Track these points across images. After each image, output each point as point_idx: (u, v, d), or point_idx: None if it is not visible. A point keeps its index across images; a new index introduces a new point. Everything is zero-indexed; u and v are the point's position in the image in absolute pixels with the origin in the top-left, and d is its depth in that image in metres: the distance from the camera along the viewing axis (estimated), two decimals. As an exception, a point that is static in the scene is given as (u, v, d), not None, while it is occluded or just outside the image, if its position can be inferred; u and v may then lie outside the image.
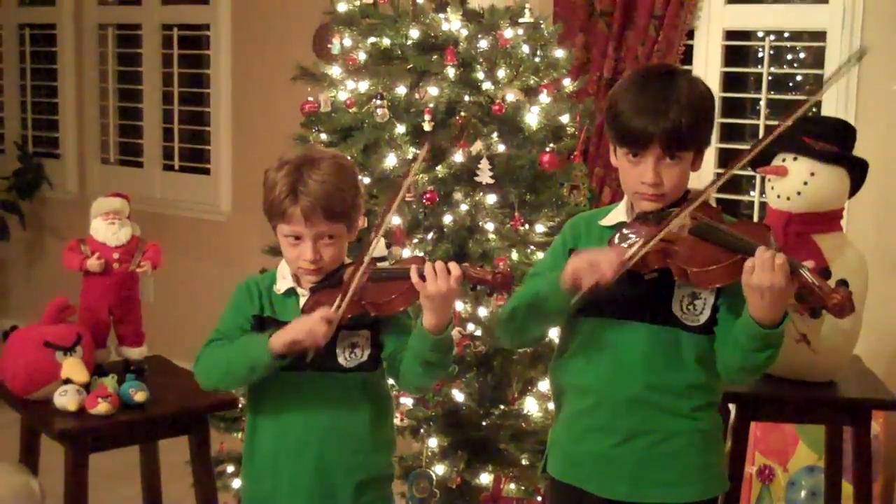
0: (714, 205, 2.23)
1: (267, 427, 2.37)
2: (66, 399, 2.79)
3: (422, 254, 3.31)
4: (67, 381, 2.84)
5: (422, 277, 2.14)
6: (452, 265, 2.13)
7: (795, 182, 2.98)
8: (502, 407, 3.41)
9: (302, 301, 2.31)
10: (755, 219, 4.15)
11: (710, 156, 4.21)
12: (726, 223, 2.18)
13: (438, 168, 3.37)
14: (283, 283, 2.36)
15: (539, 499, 3.36)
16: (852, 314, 1.98)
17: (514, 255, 3.33)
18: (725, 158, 4.28)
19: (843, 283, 1.96)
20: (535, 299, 2.26)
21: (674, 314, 2.21)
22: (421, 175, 3.35)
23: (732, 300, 2.15)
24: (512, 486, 3.37)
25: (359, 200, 2.34)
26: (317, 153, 2.31)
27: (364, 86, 3.47)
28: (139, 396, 2.85)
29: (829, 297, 1.94)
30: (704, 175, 4.16)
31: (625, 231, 2.21)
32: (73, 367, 2.87)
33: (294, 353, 2.21)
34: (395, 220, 3.32)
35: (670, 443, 2.24)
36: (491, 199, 3.38)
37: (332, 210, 2.23)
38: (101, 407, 2.77)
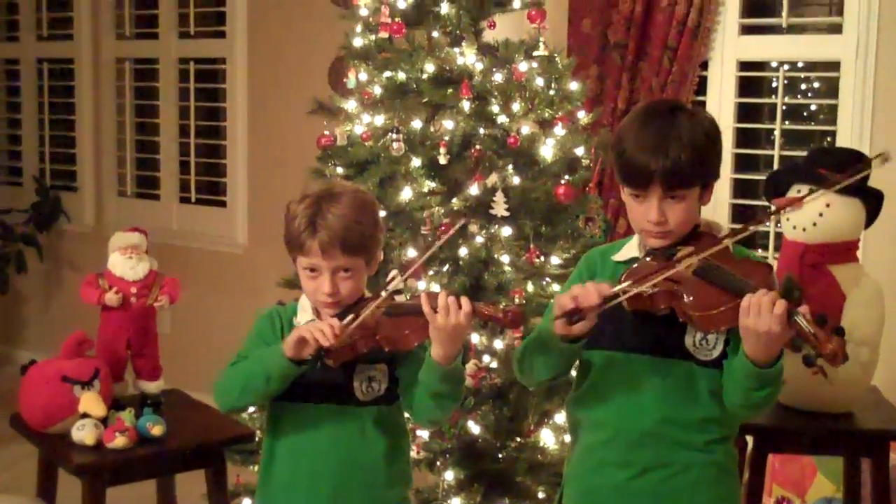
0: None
1: (282, 458, 2.38)
2: (83, 433, 2.80)
3: (437, 287, 3.32)
4: (85, 416, 2.85)
5: (434, 310, 2.14)
6: (464, 300, 2.13)
7: (811, 213, 2.98)
8: (518, 439, 3.40)
9: None
10: (770, 248, 4.15)
11: (724, 186, 4.22)
12: (735, 259, 2.17)
13: (454, 200, 3.39)
14: (304, 315, 2.37)
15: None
16: (845, 362, 1.96)
17: (530, 287, 3.33)
18: (740, 189, 4.29)
19: (839, 331, 1.95)
20: (540, 336, 2.27)
21: (686, 349, 2.21)
22: (437, 208, 3.36)
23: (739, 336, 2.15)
24: (529, 518, 3.37)
25: (378, 235, 2.36)
26: (338, 187, 2.33)
27: (380, 119, 3.49)
28: (156, 430, 2.86)
29: (823, 345, 1.92)
30: (719, 206, 4.18)
31: (635, 267, 2.21)
32: (90, 402, 2.88)
33: (303, 357, 2.20)
34: (412, 253, 3.33)
35: (685, 476, 2.23)
36: (506, 231, 3.39)
37: (350, 244, 2.25)
38: (119, 441, 2.78)
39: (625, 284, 2.13)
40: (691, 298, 2.10)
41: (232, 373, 2.35)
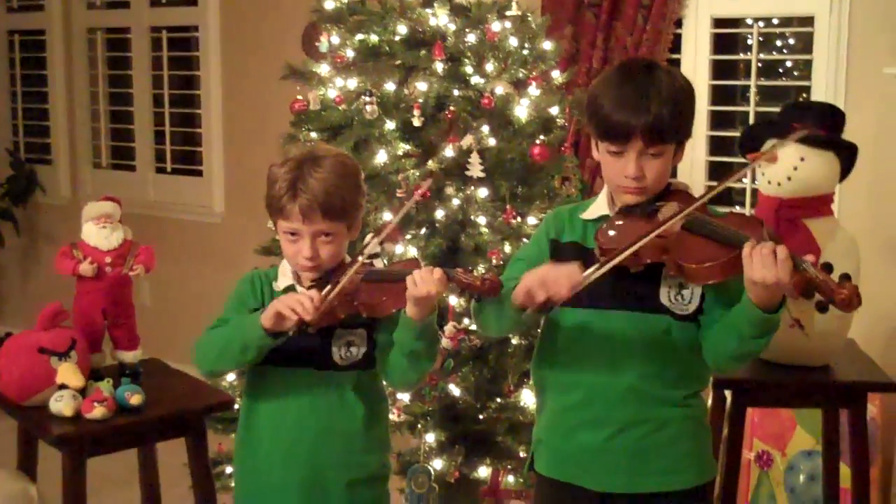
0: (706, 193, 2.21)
1: (261, 423, 2.38)
2: (61, 404, 2.78)
3: (414, 249, 3.32)
4: (63, 387, 2.83)
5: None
6: (435, 270, 2.14)
7: (785, 167, 2.98)
8: (499, 400, 3.41)
9: None
10: (747, 203, 4.16)
11: (700, 143, 4.22)
12: (716, 216, 2.18)
13: (430, 163, 3.37)
14: (284, 279, 2.38)
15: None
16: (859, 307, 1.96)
17: (507, 248, 3.33)
18: (716, 146, 4.29)
19: (846, 276, 1.94)
20: (497, 308, 2.25)
21: (663, 304, 2.21)
22: (412, 171, 3.35)
23: (719, 289, 2.15)
24: (510, 478, 3.38)
25: (360, 200, 2.35)
26: (321, 151, 2.33)
27: (353, 83, 3.47)
28: (135, 400, 2.85)
29: (836, 292, 1.92)
30: (696, 164, 4.18)
31: (613, 223, 2.20)
32: (68, 373, 2.86)
33: (282, 329, 2.20)
34: (387, 216, 3.32)
35: (664, 431, 2.24)
36: (482, 192, 3.38)
37: (331, 208, 2.24)
38: (97, 411, 2.77)
39: (594, 267, 2.10)
40: (683, 252, 2.09)
41: (210, 337, 2.35)
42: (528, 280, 2.12)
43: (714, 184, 2.18)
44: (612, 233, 2.17)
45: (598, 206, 2.31)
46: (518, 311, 2.17)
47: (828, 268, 1.98)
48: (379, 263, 2.41)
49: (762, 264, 1.97)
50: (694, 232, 2.11)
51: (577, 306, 2.24)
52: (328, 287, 2.21)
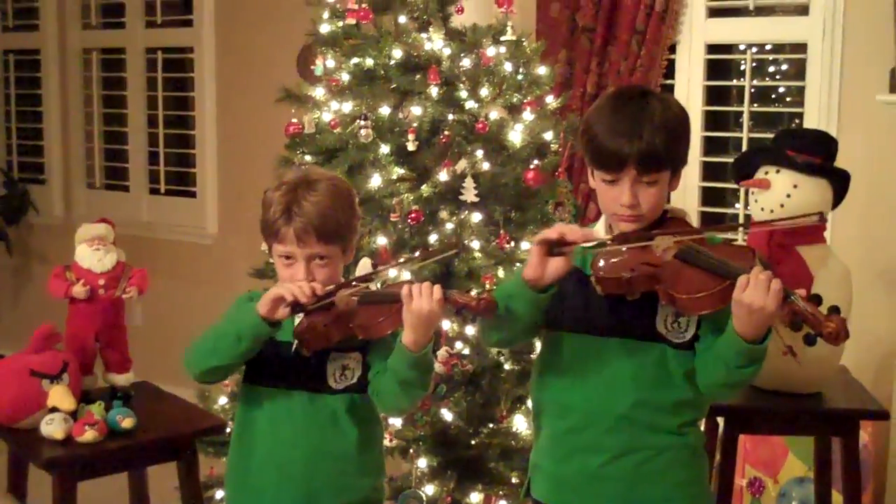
0: (699, 221, 2.22)
1: (253, 444, 2.37)
2: (52, 427, 2.78)
3: (407, 274, 3.31)
4: (54, 410, 2.83)
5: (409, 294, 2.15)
6: (436, 288, 2.14)
7: (778, 194, 2.99)
8: (491, 425, 3.40)
9: (297, 321, 2.31)
10: (739, 231, 4.16)
11: (694, 169, 4.23)
12: (710, 246, 2.17)
13: (423, 187, 3.38)
14: None
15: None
16: (847, 340, 1.96)
17: (501, 273, 3.33)
18: (710, 172, 4.30)
19: (834, 309, 1.95)
20: (505, 298, 2.23)
21: (658, 331, 2.21)
22: (406, 194, 3.35)
23: (715, 318, 2.15)
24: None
25: (355, 223, 2.36)
26: (315, 175, 2.33)
27: (348, 106, 3.48)
28: (127, 423, 2.84)
29: (824, 325, 1.92)
30: (689, 189, 4.19)
31: (608, 251, 2.21)
32: (59, 396, 2.85)
33: (275, 316, 2.20)
34: (382, 241, 3.32)
35: (659, 459, 2.24)
36: (476, 217, 3.38)
37: (325, 232, 2.25)
38: (89, 435, 2.76)
39: (610, 238, 2.12)
40: (676, 281, 2.09)
41: (202, 337, 2.33)
42: (544, 232, 2.16)
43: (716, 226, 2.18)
44: (606, 261, 2.17)
45: (596, 235, 2.31)
46: (527, 287, 2.17)
47: (816, 299, 1.98)
48: (372, 287, 2.41)
49: (754, 287, 1.97)
50: (686, 262, 2.11)
51: (573, 332, 2.24)
52: (330, 287, 2.23)
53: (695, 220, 4.08)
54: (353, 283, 2.25)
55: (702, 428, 2.35)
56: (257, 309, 2.20)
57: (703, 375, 2.20)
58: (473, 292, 3.23)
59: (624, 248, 2.17)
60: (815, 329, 1.94)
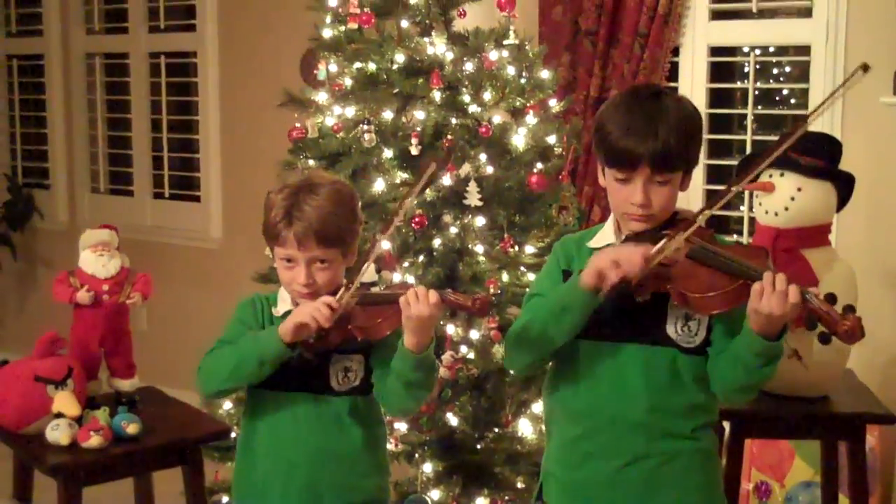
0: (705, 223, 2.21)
1: (259, 447, 2.39)
2: (58, 433, 2.78)
3: (412, 278, 3.32)
4: (59, 415, 2.84)
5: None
6: (431, 292, 2.14)
7: (783, 197, 2.99)
8: (496, 430, 3.40)
9: None
10: (745, 233, 4.16)
11: (698, 172, 4.21)
12: (721, 245, 2.17)
13: (427, 192, 3.37)
14: (283, 305, 2.38)
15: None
16: (862, 338, 1.95)
17: (505, 277, 3.33)
18: (713, 174, 4.30)
19: (850, 308, 1.94)
20: (555, 308, 2.21)
21: (669, 336, 2.20)
22: (410, 199, 3.35)
23: (727, 321, 2.14)
24: (508, 508, 3.37)
25: (356, 227, 2.36)
26: (318, 178, 2.35)
27: (351, 111, 3.48)
28: (131, 429, 2.84)
29: (840, 323, 1.92)
30: (692, 192, 4.18)
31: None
32: (64, 401, 2.86)
33: (301, 338, 2.22)
34: (386, 245, 3.32)
35: (674, 464, 2.23)
36: (480, 221, 3.38)
37: (326, 236, 2.25)
38: (94, 440, 2.76)
39: (664, 241, 2.08)
40: (688, 282, 2.08)
41: (219, 356, 2.34)
42: (597, 262, 2.10)
43: (718, 188, 2.17)
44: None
45: (605, 235, 2.30)
46: (591, 298, 2.13)
47: (831, 298, 1.97)
48: (376, 290, 2.41)
49: (770, 295, 1.97)
50: (699, 261, 2.10)
51: (585, 338, 2.23)
52: (341, 292, 2.22)
53: (699, 223, 4.07)
54: (359, 285, 2.25)
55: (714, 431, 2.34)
56: (281, 336, 2.22)
57: (720, 380, 2.19)
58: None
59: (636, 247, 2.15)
60: (830, 328, 1.94)
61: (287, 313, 2.34)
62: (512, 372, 3.18)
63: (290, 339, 2.22)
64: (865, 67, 2.11)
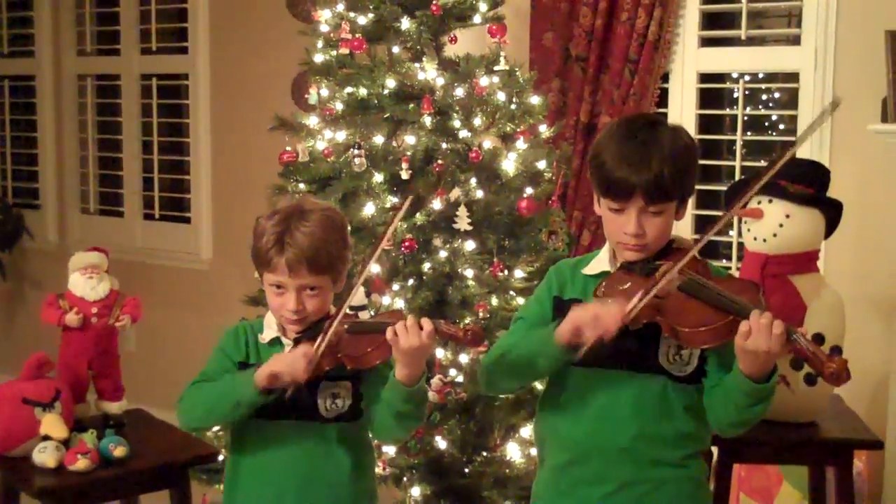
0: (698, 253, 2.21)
1: (247, 475, 2.38)
2: (45, 456, 2.77)
3: (401, 301, 3.32)
4: (46, 438, 2.82)
5: (395, 333, 2.14)
6: (424, 321, 2.14)
7: (771, 224, 3.00)
8: (485, 454, 3.40)
9: (286, 350, 2.31)
10: (734, 258, 4.18)
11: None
12: (714, 277, 2.17)
13: (417, 216, 3.39)
14: (269, 332, 2.37)
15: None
16: (848, 381, 1.95)
17: (494, 301, 3.34)
18: (702, 200, 4.31)
19: (836, 349, 1.94)
20: (528, 355, 2.24)
21: (660, 364, 2.20)
22: (399, 223, 3.36)
23: (720, 353, 2.15)
24: (496, 533, 3.36)
25: (346, 254, 2.35)
26: (308, 205, 2.34)
27: (341, 135, 3.49)
28: (119, 452, 2.83)
29: (826, 365, 1.92)
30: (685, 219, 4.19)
31: (611, 281, 2.20)
32: (51, 424, 2.85)
33: (275, 387, 2.21)
34: (375, 269, 3.32)
35: (661, 492, 2.23)
36: (470, 245, 3.39)
37: (317, 263, 2.25)
38: (81, 463, 2.75)
39: (636, 298, 2.09)
40: (678, 315, 2.08)
41: (197, 393, 2.34)
42: (577, 318, 2.11)
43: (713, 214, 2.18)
44: (608, 290, 2.17)
45: (600, 262, 2.30)
46: (562, 352, 2.15)
47: (819, 339, 1.97)
48: (365, 315, 2.41)
49: (757, 334, 1.97)
50: (690, 295, 2.10)
51: (575, 364, 2.23)
52: (318, 341, 2.21)
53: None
54: (347, 311, 2.25)
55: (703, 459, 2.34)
56: (256, 382, 2.21)
57: (714, 414, 2.20)
58: (467, 321, 3.25)
59: (627, 278, 2.16)
60: (816, 369, 1.94)
61: (273, 340, 2.35)
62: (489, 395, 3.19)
63: (264, 387, 2.21)
64: (835, 105, 2.13)
